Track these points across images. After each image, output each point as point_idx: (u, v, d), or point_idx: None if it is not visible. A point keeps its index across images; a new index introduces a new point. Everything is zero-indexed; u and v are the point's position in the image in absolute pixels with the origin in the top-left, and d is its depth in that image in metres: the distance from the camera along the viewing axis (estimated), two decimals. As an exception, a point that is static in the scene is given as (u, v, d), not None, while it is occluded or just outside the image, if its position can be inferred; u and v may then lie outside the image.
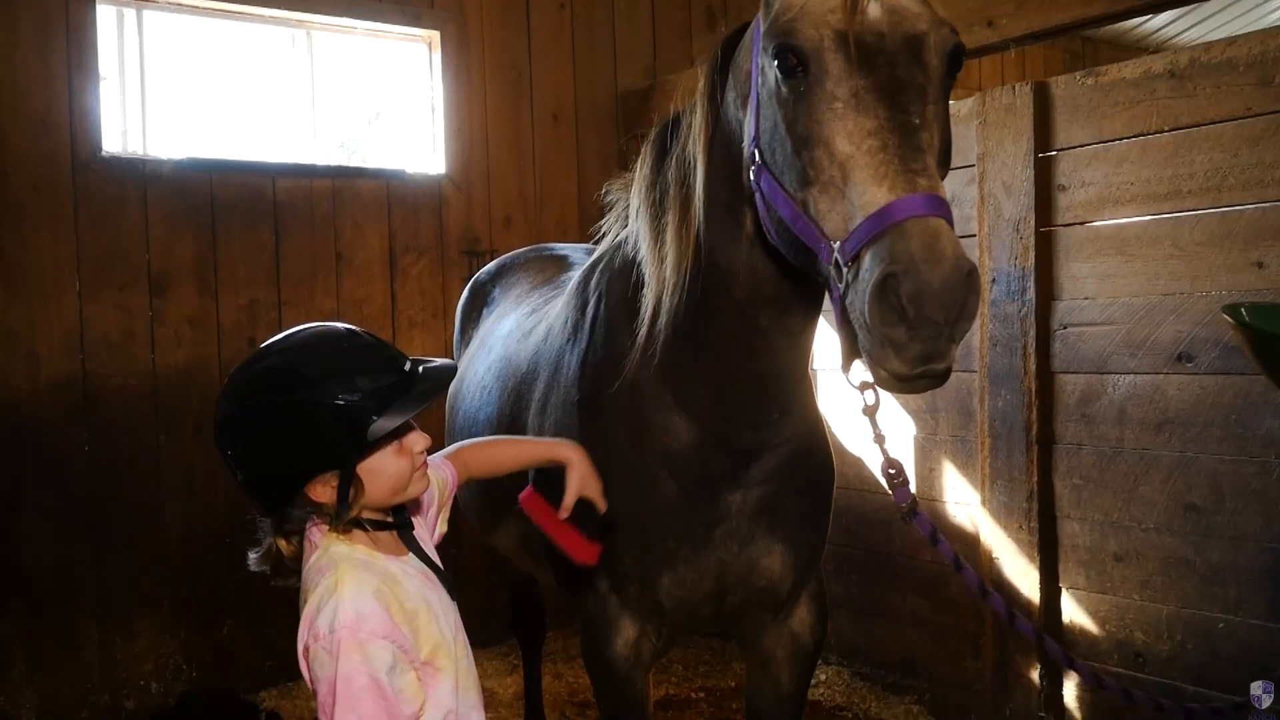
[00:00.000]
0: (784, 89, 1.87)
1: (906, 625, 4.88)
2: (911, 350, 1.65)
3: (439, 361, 2.05)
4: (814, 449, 2.56)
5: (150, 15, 5.13)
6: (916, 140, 1.75)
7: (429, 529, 2.22)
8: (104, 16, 4.94)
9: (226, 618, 5.11)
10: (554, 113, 6.19)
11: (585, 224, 6.13)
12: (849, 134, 1.76)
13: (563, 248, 4.09)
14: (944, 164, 1.88)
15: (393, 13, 5.64)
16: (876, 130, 1.75)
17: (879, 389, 2.08)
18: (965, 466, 4.55)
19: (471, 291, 4.17)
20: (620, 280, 2.58)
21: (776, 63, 1.87)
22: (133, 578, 4.92)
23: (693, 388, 2.39)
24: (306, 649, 1.86)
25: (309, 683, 1.89)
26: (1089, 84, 4.06)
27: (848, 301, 1.75)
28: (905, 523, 2.24)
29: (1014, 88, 4.26)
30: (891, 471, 2.24)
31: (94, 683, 4.83)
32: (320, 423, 1.86)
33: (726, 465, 2.42)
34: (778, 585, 2.55)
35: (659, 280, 2.37)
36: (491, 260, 4.45)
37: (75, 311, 4.78)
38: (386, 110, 6.00)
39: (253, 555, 2.00)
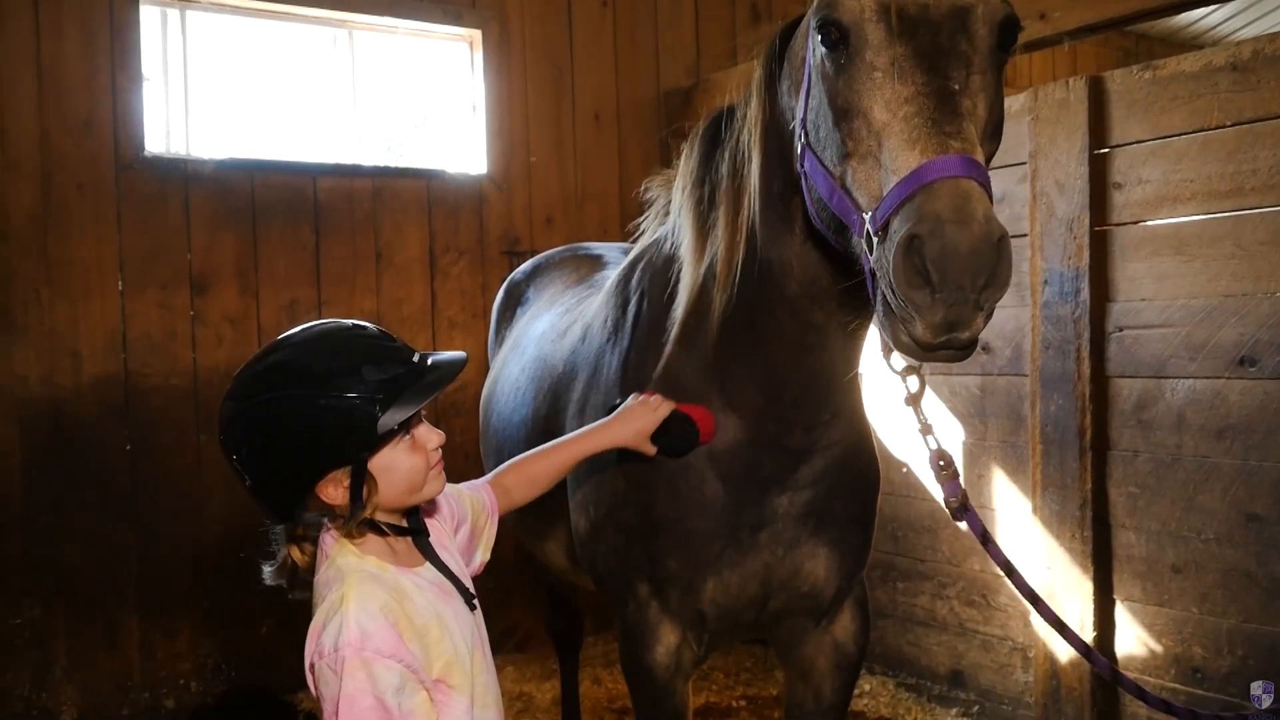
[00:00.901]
0: (827, 64, 1.84)
1: (953, 635, 4.76)
2: (935, 315, 1.58)
3: (447, 354, 1.98)
4: (862, 452, 2.48)
5: (193, 15, 5.14)
6: (954, 104, 1.69)
7: (459, 548, 2.15)
8: (147, 17, 4.96)
9: (265, 617, 5.09)
10: (596, 112, 6.14)
11: (627, 224, 6.00)
12: (886, 102, 1.72)
13: (597, 246, 4.03)
14: (993, 137, 1.82)
15: (434, 12, 5.61)
16: (913, 96, 1.70)
17: (924, 380, 2.06)
18: (1015, 473, 4.43)
19: (506, 291, 4.12)
20: (662, 277, 2.51)
21: (820, 37, 1.83)
22: (173, 576, 4.93)
23: (741, 386, 2.33)
24: (312, 665, 1.80)
25: (315, 699, 1.83)
26: (1146, 78, 3.93)
27: (876, 270, 1.69)
28: (955, 519, 2.14)
29: (1068, 83, 4.13)
30: (941, 463, 2.14)
31: (134, 681, 4.84)
32: (327, 417, 1.80)
33: (775, 466, 2.34)
34: (821, 590, 2.47)
35: (698, 277, 2.30)
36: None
37: (118, 311, 4.80)
38: (427, 110, 5.97)
39: (267, 569, 1.95)
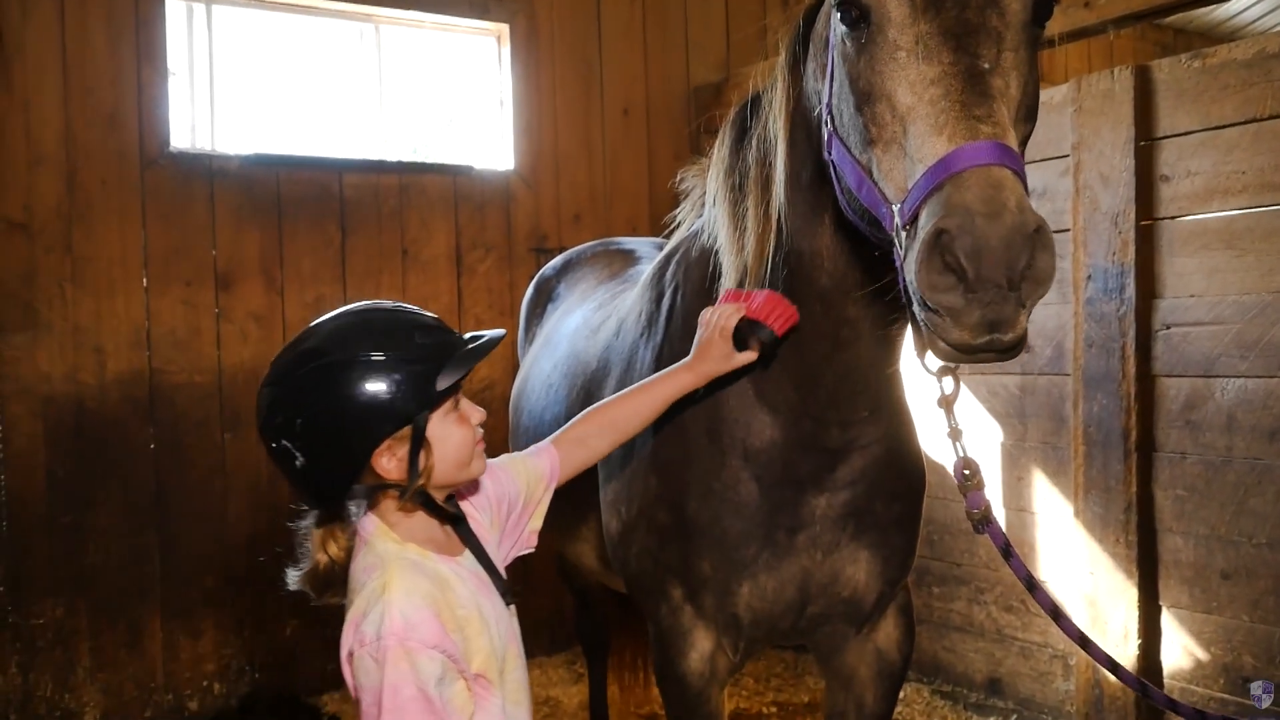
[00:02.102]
0: (848, 44, 1.73)
1: (991, 642, 4.63)
2: (971, 316, 1.46)
3: (486, 331, 1.96)
4: (904, 450, 2.37)
5: (219, 10, 5.09)
6: (984, 85, 1.57)
7: (509, 527, 2.10)
8: (173, 11, 4.92)
9: (290, 618, 5.03)
10: (625, 107, 6.05)
11: (656, 221, 5.98)
12: (911, 84, 1.61)
13: (629, 241, 3.93)
14: (1027, 118, 1.70)
15: (461, 6, 5.54)
16: (939, 77, 1.58)
17: (959, 381, 1.93)
18: (1057, 475, 4.30)
19: (536, 287, 4.03)
20: (698, 270, 2.42)
21: (839, 15, 1.72)
22: (197, 577, 4.88)
23: (776, 383, 2.22)
24: (351, 654, 1.74)
25: (351, 690, 1.77)
26: (1195, 67, 3.80)
27: (902, 265, 1.58)
28: (977, 533, 2.02)
29: (1113, 72, 4.00)
30: (966, 472, 2.00)
31: (157, 682, 4.79)
32: (387, 376, 1.77)
33: (812, 466, 2.24)
34: (862, 596, 2.36)
35: (739, 269, 2.20)
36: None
37: (142, 307, 4.76)
38: (454, 105, 5.91)
39: (293, 574, 1.87)
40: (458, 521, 1.94)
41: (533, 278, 4.24)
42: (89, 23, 4.66)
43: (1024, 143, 1.69)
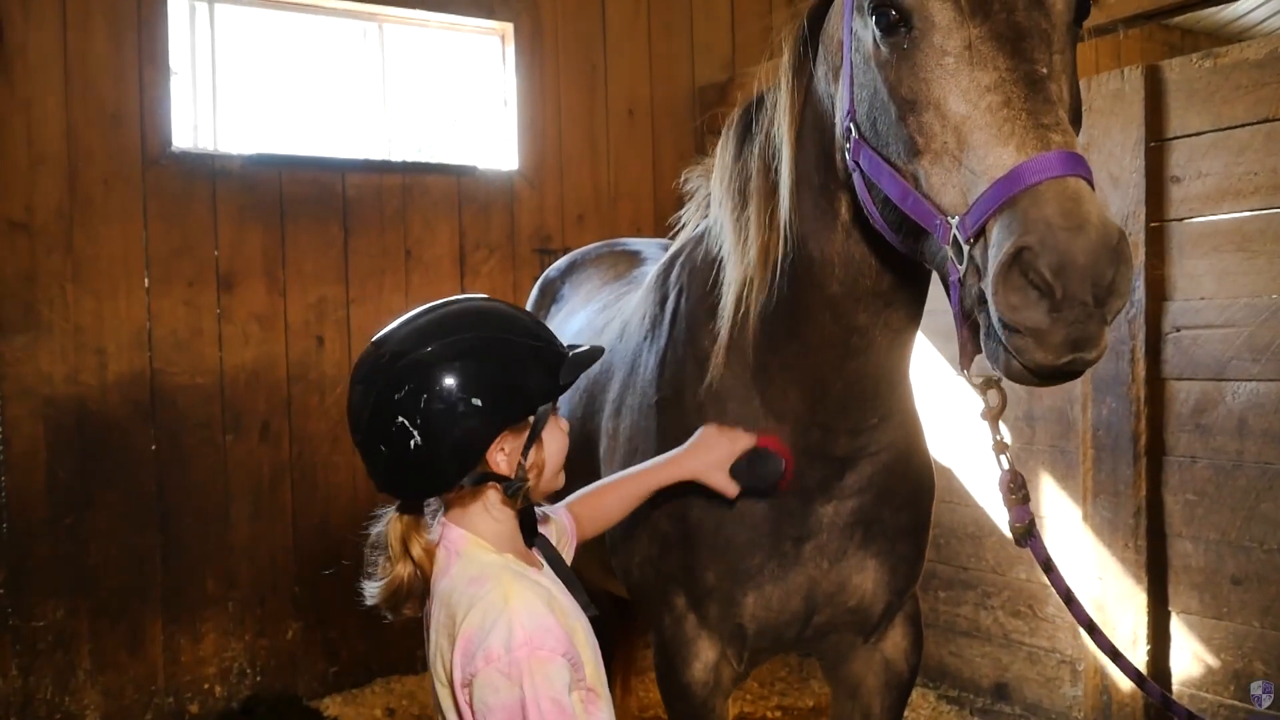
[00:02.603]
0: (884, 49, 1.66)
1: (998, 646, 4.59)
2: (1056, 336, 1.40)
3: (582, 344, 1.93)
4: (914, 457, 2.33)
5: (221, 8, 5.06)
6: (1045, 92, 1.51)
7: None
8: (175, 10, 4.89)
9: (292, 621, 5.01)
10: (629, 107, 6.01)
11: (660, 222, 5.93)
12: (964, 91, 1.54)
13: (635, 242, 3.89)
14: (1075, 122, 1.63)
15: (465, 5, 5.51)
16: (997, 84, 1.52)
17: (1005, 394, 1.84)
18: (1065, 479, 4.26)
19: (540, 289, 3.99)
20: (702, 273, 2.37)
21: (874, 19, 1.66)
22: (198, 579, 4.85)
23: (783, 390, 2.18)
24: (472, 676, 1.63)
25: (460, 714, 1.68)
26: (1207, 66, 3.75)
27: (969, 284, 1.53)
28: (1018, 544, 1.96)
29: (1123, 72, 3.96)
30: (1011, 485, 1.90)
31: (158, 685, 4.76)
32: (527, 360, 1.74)
33: (819, 474, 2.20)
34: (870, 605, 2.32)
35: (743, 275, 2.16)
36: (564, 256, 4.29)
37: (143, 308, 4.73)
38: (458, 105, 5.87)
39: (371, 587, 1.77)
40: (534, 532, 1.90)
41: (536, 278, 4.20)
42: (91, 21, 4.63)
43: None
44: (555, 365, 1.79)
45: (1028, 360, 1.44)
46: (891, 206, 1.72)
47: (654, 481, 2.22)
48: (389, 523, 1.80)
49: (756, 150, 2.16)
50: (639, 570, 2.41)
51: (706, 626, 2.31)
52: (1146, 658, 3.93)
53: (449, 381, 1.68)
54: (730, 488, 2.17)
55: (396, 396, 1.68)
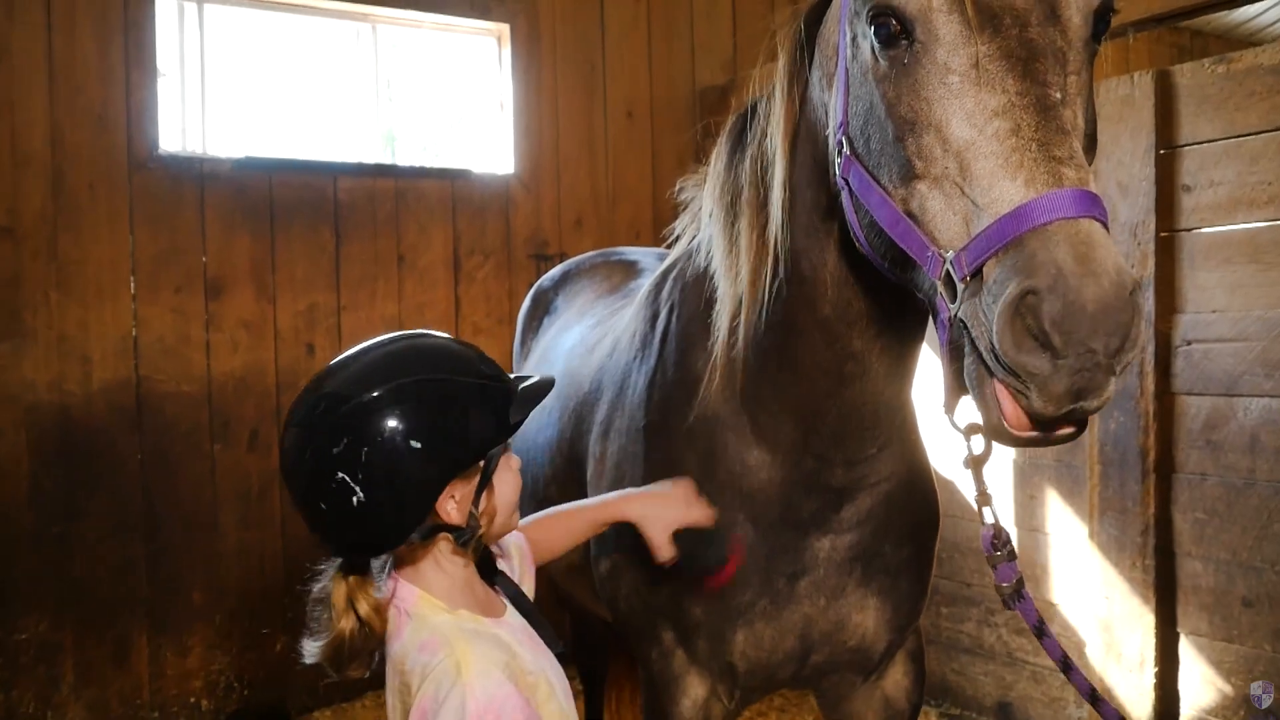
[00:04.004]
0: (883, 62, 1.53)
1: (1002, 665, 4.48)
2: (1058, 385, 1.28)
3: (531, 374, 1.81)
4: (916, 487, 2.21)
5: (210, 9, 4.96)
6: (1059, 120, 1.38)
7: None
8: (164, 11, 4.79)
9: (280, 634, 4.91)
10: (628, 109, 5.91)
11: (660, 227, 5.82)
12: (968, 114, 1.41)
13: (632, 252, 3.77)
14: (1090, 148, 1.51)
15: (461, 6, 5.41)
16: (1005, 109, 1.39)
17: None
18: (1071, 495, 4.15)
19: (533, 299, 3.87)
20: (694, 291, 2.26)
21: (873, 29, 1.53)
22: (185, 590, 4.75)
23: (775, 417, 2.06)
24: None
25: None
26: (1219, 72, 3.65)
27: (968, 320, 1.40)
28: (1007, 607, 1.80)
29: (1132, 78, 3.85)
30: (995, 541, 1.76)
31: (144, 699, 4.67)
32: (473, 401, 1.61)
33: (814, 507, 2.08)
34: (871, 645, 2.21)
35: (734, 294, 2.04)
36: (559, 264, 4.18)
37: (130, 314, 4.63)
38: (453, 107, 5.77)
39: (311, 645, 1.66)
40: (493, 571, 1.80)
41: (532, 285, 4.10)
42: (77, 22, 4.53)
43: None
44: (505, 404, 1.67)
45: (1025, 405, 1.33)
46: (879, 231, 1.60)
47: (601, 517, 2.13)
48: (333, 580, 1.66)
49: (749, 161, 2.04)
50: (625, 602, 2.31)
51: (696, 662, 2.20)
52: (1154, 679, 3.83)
53: (391, 431, 1.55)
54: (664, 550, 2.02)
55: (335, 450, 1.55)
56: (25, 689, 4.42)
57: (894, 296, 1.80)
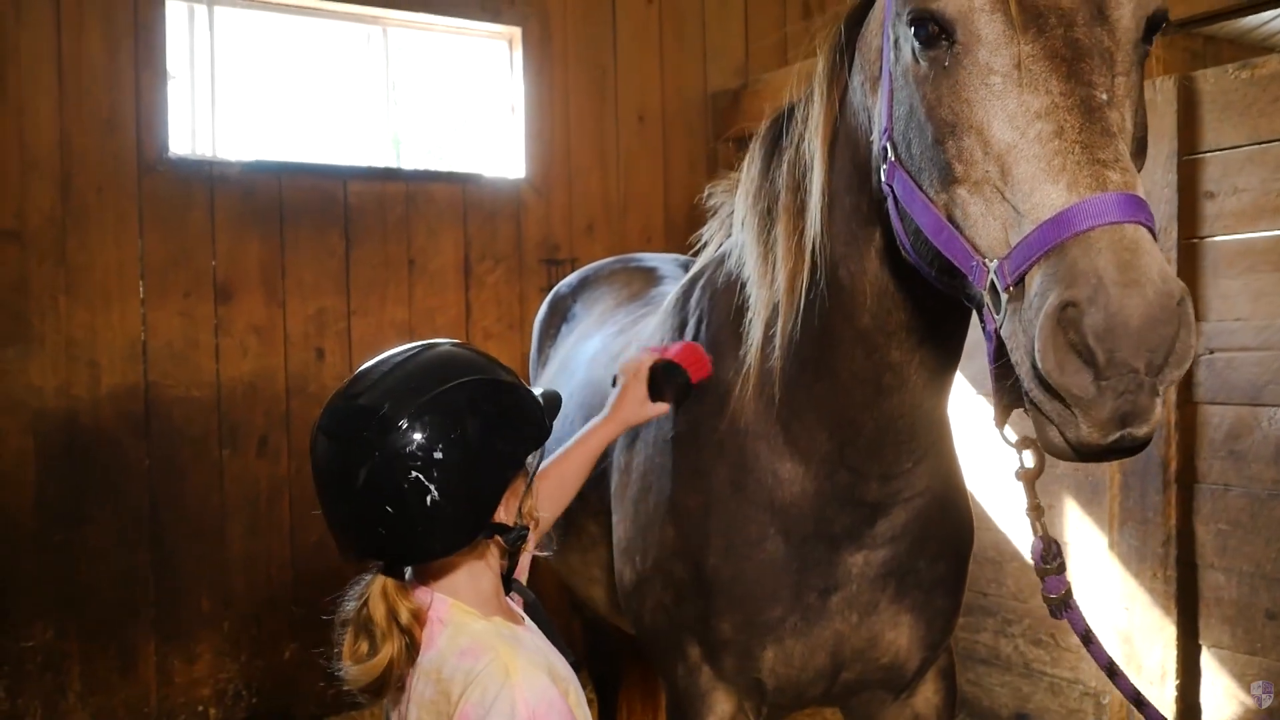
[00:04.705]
0: (923, 63, 1.49)
1: (1018, 676, 4.43)
2: (1102, 409, 1.22)
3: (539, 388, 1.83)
4: (951, 503, 2.17)
5: (221, 11, 4.92)
6: (1104, 122, 1.33)
7: None
8: (173, 13, 4.75)
9: (288, 641, 4.87)
10: (640, 114, 5.86)
11: (671, 232, 5.80)
12: (1010, 116, 1.37)
13: (650, 258, 3.72)
14: (1139, 153, 1.46)
15: (472, 9, 5.37)
16: (1049, 110, 1.34)
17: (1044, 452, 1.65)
18: (1090, 505, 4.10)
19: (550, 305, 3.82)
20: (724, 299, 2.22)
21: (913, 30, 1.49)
22: (193, 598, 4.70)
23: (809, 428, 2.01)
24: None
25: None
26: (1243, 77, 3.60)
27: (1007, 337, 1.35)
28: (1054, 616, 1.76)
29: (1154, 83, 3.80)
30: (1046, 554, 1.70)
31: (151, 707, 4.62)
32: (525, 403, 1.64)
33: (848, 521, 2.03)
34: (904, 663, 2.16)
35: (769, 302, 2.00)
36: (571, 270, 4.13)
37: (138, 319, 4.59)
38: (464, 111, 5.73)
39: (353, 670, 1.59)
40: (511, 584, 1.78)
41: (543, 290, 4.05)
42: (86, 24, 4.50)
43: None
44: (539, 410, 1.69)
45: (1071, 435, 1.27)
46: (924, 239, 1.55)
47: (595, 442, 2.24)
48: (371, 597, 1.60)
49: (785, 166, 1.99)
50: (650, 617, 2.26)
51: (723, 679, 2.15)
52: (1175, 693, 3.78)
53: (468, 427, 1.54)
54: (660, 407, 2.21)
55: (409, 449, 1.50)
56: (32, 697, 4.38)
57: (936, 307, 1.75)
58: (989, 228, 1.40)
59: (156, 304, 4.62)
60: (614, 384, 2.30)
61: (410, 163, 5.35)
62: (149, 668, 4.62)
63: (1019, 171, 1.34)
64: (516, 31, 5.52)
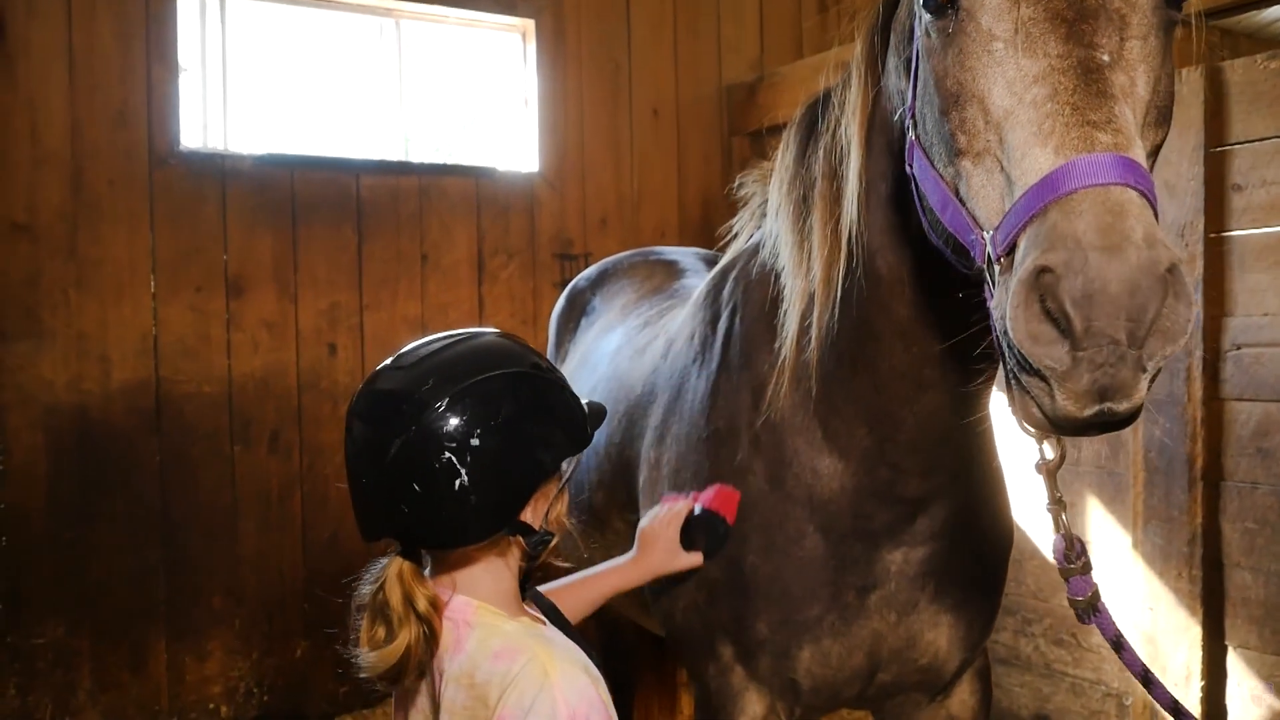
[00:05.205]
0: (933, 35, 1.44)
1: (1039, 676, 4.37)
2: (1078, 381, 1.15)
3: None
4: (992, 500, 2.11)
5: (233, 3, 4.88)
6: (1101, 83, 1.26)
7: None
8: (185, 5, 4.71)
9: (300, 639, 4.83)
10: (654, 107, 5.81)
11: (685, 226, 5.75)
12: (1010, 82, 1.32)
13: (670, 251, 3.66)
14: (1160, 121, 1.39)
15: (486, 1, 5.32)
16: (1045, 74, 1.28)
17: (1064, 443, 1.58)
18: (1113, 503, 4.04)
19: (569, 299, 3.76)
20: (758, 289, 2.16)
21: (922, 1, 1.44)
22: (204, 595, 4.67)
23: (848, 424, 1.96)
24: None
25: None
26: (1272, 68, 3.54)
27: (992, 308, 1.30)
28: (1081, 621, 1.69)
29: (1180, 74, 3.74)
30: (1069, 552, 1.64)
31: (162, 705, 4.59)
32: (566, 403, 1.58)
33: (887, 518, 1.98)
34: (943, 664, 2.10)
35: (804, 293, 1.94)
36: (585, 265, 4.07)
37: (149, 313, 4.55)
38: (477, 104, 5.69)
39: (368, 656, 1.55)
40: (527, 589, 1.74)
41: (557, 285, 4.00)
42: (97, 16, 4.46)
43: (1155, 153, 1.41)
44: (581, 414, 1.63)
45: (1046, 407, 1.21)
46: (935, 217, 1.50)
47: (616, 586, 2.09)
48: (387, 580, 1.56)
49: (822, 152, 1.93)
50: (682, 617, 2.21)
51: (755, 679, 2.10)
52: (1201, 694, 3.72)
53: (508, 413, 1.49)
54: (693, 559, 2.05)
55: (445, 429, 1.47)
56: (42, 695, 4.34)
57: (974, 295, 1.70)
58: (988, 199, 1.35)
59: (168, 298, 4.59)
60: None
61: (423, 156, 5.30)
62: (160, 665, 4.59)
63: (1013, 138, 1.29)
64: (530, 24, 5.48)
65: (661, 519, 2.06)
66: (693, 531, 2.04)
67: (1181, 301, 1.15)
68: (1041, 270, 1.16)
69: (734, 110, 5.91)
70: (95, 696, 4.45)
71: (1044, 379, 1.19)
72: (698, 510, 2.04)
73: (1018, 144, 1.28)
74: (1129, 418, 1.20)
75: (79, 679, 4.42)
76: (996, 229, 1.29)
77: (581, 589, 2.06)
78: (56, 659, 4.38)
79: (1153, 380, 1.20)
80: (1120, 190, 1.18)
